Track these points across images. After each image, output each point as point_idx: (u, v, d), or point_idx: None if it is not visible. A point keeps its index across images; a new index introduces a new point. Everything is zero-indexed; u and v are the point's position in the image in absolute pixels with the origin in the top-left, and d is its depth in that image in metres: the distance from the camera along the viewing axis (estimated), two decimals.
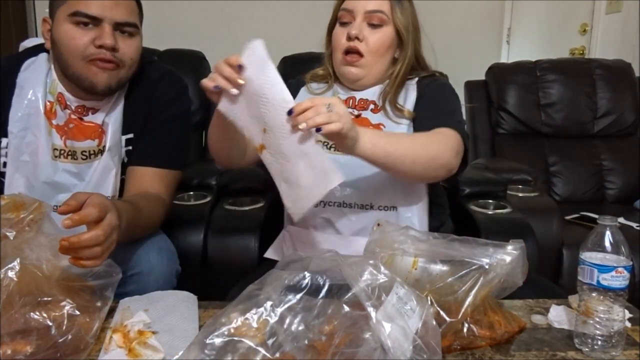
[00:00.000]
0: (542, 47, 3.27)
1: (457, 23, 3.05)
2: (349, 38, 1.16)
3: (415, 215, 1.17)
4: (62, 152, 1.16)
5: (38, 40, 1.23)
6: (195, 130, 2.08)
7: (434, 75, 1.27)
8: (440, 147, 1.08)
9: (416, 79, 1.25)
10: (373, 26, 1.17)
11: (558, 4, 3.22)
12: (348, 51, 1.17)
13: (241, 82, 0.90)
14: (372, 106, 1.21)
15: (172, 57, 2.09)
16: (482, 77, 2.49)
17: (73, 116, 1.16)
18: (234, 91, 0.91)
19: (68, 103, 1.16)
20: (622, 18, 2.89)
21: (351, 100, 1.22)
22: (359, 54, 1.17)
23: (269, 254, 1.27)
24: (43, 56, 1.19)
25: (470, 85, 2.45)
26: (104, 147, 1.17)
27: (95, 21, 1.08)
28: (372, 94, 1.22)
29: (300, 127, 0.86)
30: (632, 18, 2.78)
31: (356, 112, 1.20)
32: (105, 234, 0.84)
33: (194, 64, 2.16)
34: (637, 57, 2.69)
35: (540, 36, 3.36)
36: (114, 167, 1.18)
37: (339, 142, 0.94)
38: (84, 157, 1.16)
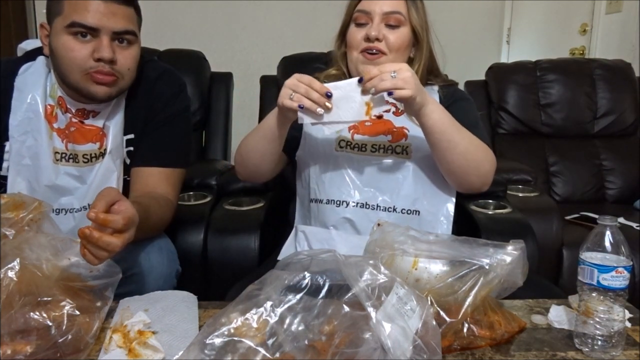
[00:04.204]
0: (542, 47, 3.27)
1: (457, 23, 3.05)
2: (368, 39, 1.17)
3: (438, 221, 1.17)
4: (64, 155, 1.16)
5: (36, 42, 1.22)
6: (195, 130, 2.08)
7: (452, 84, 1.29)
8: (485, 157, 1.12)
9: (436, 87, 1.25)
10: (391, 27, 1.17)
11: (558, 4, 3.22)
12: (367, 50, 1.18)
13: (329, 105, 1.00)
14: (393, 109, 1.21)
15: (172, 57, 2.09)
16: (482, 77, 2.49)
17: (74, 119, 1.16)
18: (321, 111, 1.00)
19: (69, 106, 1.16)
20: (622, 18, 2.89)
21: None
22: (381, 52, 1.18)
23: (282, 256, 1.26)
24: (41, 59, 1.18)
25: (470, 85, 2.45)
26: (105, 149, 1.17)
27: (93, 31, 1.06)
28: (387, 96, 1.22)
29: (370, 92, 0.97)
30: (632, 18, 2.78)
31: (376, 115, 1.20)
32: (121, 247, 0.85)
33: (194, 64, 2.16)
34: (637, 57, 2.69)
35: (540, 36, 3.36)
36: (116, 169, 1.18)
37: (407, 105, 1.01)
38: (86, 160, 1.16)
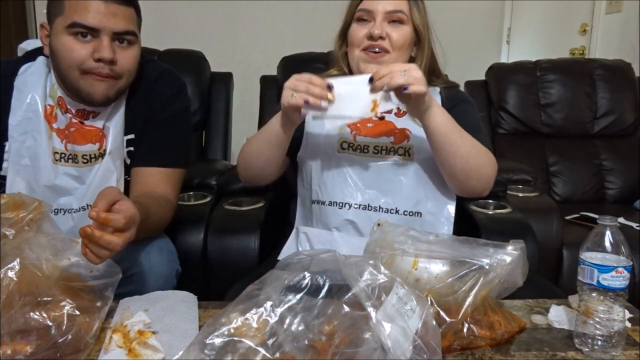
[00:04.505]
0: (542, 47, 3.27)
1: (457, 23, 3.05)
2: (371, 37, 1.17)
3: (439, 222, 1.18)
4: (63, 155, 1.15)
5: (36, 42, 1.22)
6: (195, 130, 2.08)
7: (454, 86, 1.29)
8: (487, 161, 1.12)
9: (438, 88, 1.26)
10: (393, 24, 1.18)
11: (558, 4, 3.22)
12: (370, 48, 1.18)
13: (331, 98, 0.99)
14: (395, 110, 1.21)
15: (172, 57, 2.09)
16: (482, 77, 2.49)
17: (74, 120, 1.16)
18: (325, 103, 0.99)
19: (69, 107, 1.16)
20: (622, 18, 2.89)
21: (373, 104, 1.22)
22: (384, 51, 1.18)
23: (283, 256, 1.25)
24: (41, 59, 1.18)
25: (470, 85, 2.45)
26: (105, 150, 1.17)
27: (94, 32, 1.06)
28: (394, 96, 1.22)
29: (384, 90, 0.97)
30: (632, 18, 2.78)
31: (379, 115, 1.20)
32: (122, 246, 0.85)
33: (194, 64, 2.16)
34: (637, 57, 2.69)
35: (540, 36, 3.36)
36: (115, 170, 1.18)
37: (415, 103, 1.01)
38: (85, 161, 1.16)
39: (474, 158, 1.09)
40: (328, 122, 1.09)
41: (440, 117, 1.06)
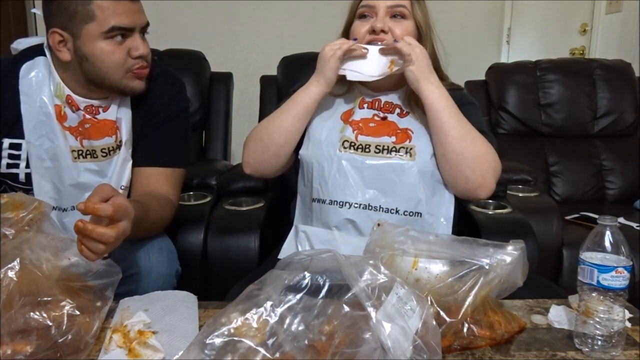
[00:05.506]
0: (542, 47, 3.27)
1: (457, 23, 3.05)
2: (374, 32, 1.18)
3: (439, 222, 1.18)
4: (81, 152, 1.17)
5: (27, 41, 1.23)
6: (195, 130, 2.09)
7: (459, 89, 1.30)
8: (484, 154, 1.14)
9: None
10: (395, 18, 1.19)
11: (558, 4, 3.22)
12: (372, 42, 1.19)
13: (365, 49, 1.17)
14: (398, 110, 1.21)
15: (172, 57, 2.09)
16: (482, 77, 2.49)
17: (87, 116, 1.17)
18: (365, 50, 1.16)
19: (79, 104, 1.17)
20: (622, 18, 2.89)
21: (376, 103, 1.22)
22: None
23: (283, 254, 1.25)
24: (41, 60, 1.18)
25: (470, 85, 2.45)
26: (121, 141, 1.18)
27: (127, 31, 1.10)
28: (397, 97, 1.23)
29: (384, 45, 1.16)
30: (632, 18, 2.78)
31: (382, 115, 1.21)
32: (116, 239, 0.85)
33: (194, 64, 2.16)
34: (637, 57, 2.69)
35: (540, 36, 3.36)
36: (130, 159, 1.20)
37: (408, 69, 1.12)
38: (104, 154, 1.18)
39: (467, 143, 1.12)
40: (350, 75, 1.16)
41: (437, 95, 1.13)
